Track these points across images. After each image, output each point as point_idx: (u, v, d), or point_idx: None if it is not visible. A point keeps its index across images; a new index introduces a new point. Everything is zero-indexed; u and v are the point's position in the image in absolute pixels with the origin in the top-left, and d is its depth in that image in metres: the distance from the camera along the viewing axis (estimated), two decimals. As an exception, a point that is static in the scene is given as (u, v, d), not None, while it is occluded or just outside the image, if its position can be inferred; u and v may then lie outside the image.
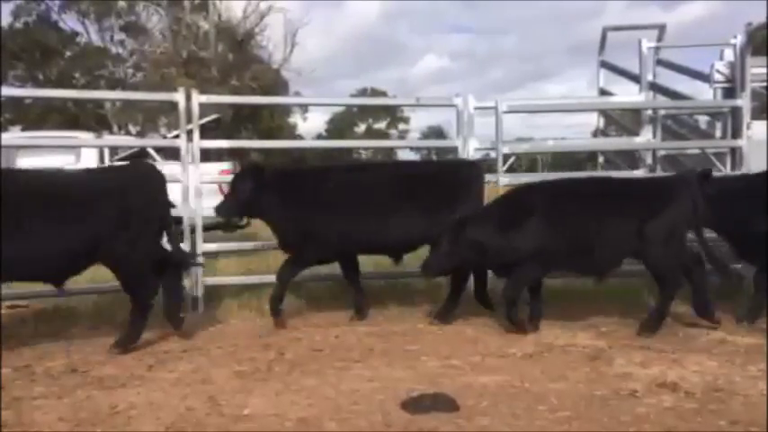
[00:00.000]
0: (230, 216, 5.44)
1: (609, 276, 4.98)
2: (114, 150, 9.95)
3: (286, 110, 35.17)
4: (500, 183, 6.07)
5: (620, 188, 4.99)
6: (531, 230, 4.67)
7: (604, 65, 8.56)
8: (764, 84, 7.01)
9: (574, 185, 5.14)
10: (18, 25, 29.80)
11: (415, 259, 6.00)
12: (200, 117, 5.90)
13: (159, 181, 4.76)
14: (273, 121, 32.95)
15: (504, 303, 4.81)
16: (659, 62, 7.59)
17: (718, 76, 6.81)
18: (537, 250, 4.65)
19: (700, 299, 4.85)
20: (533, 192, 4.99)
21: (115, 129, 26.61)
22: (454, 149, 6.25)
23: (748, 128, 6.11)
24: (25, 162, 8.61)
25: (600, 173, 7.31)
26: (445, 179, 5.35)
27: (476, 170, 5.53)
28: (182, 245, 5.31)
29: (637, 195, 4.84)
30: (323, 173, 5.49)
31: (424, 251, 5.32)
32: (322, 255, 5.33)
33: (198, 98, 5.72)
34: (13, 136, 12.93)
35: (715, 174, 5.34)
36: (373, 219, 5.17)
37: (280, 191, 5.20)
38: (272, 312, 5.11)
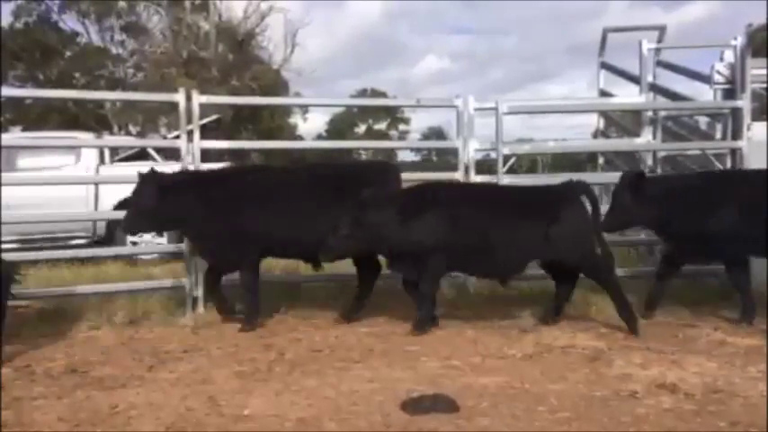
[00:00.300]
0: (138, 232, 5.10)
1: (512, 280, 5.11)
2: (114, 150, 9.95)
3: (286, 110, 35.16)
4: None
5: (521, 195, 5.11)
6: (429, 225, 4.74)
7: (605, 66, 8.56)
8: (764, 85, 7.01)
9: (477, 189, 5.28)
10: (18, 25, 29.80)
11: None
12: (201, 117, 5.89)
13: None
14: (274, 122, 32.96)
15: (420, 299, 4.89)
16: (659, 63, 7.59)
17: (718, 78, 6.79)
18: (434, 245, 4.72)
19: (560, 302, 5.08)
20: (437, 189, 5.14)
21: (115, 129, 26.61)
22: (454, 150, 6.25)
23: (748, 129, 6.11)
24: (25, 162, 8.63)
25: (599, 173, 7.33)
26: (362, 181, 5.16)
27: (393, 171, 5.48)
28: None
29: (537, 202, 4.94)
30: (236, 174, 5.37)
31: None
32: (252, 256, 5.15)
33: (198, 98, 5.71)
34: (14, 136, 12.93)
35: (652, 174, 5.43)
36: (288, 221, 5.03)
37: (190, 195, 5.01)
38: (250, 321, 5.04)
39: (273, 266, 5.89)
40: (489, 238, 4.78)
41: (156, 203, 4.93)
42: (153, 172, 5.09)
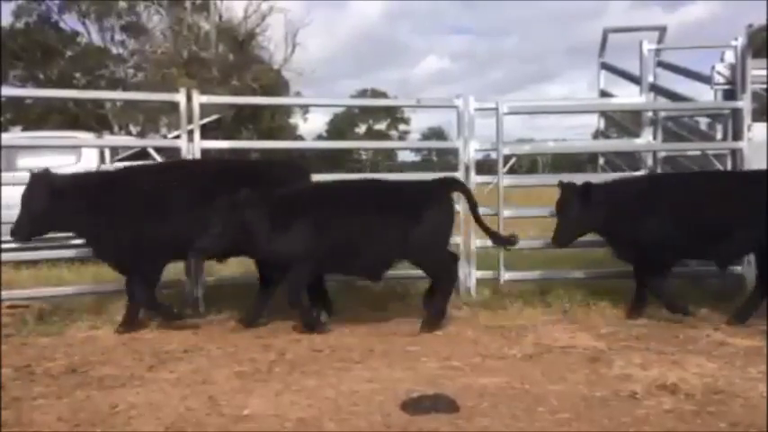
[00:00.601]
0: (26, 238, 4.78)
1: (380, 278, 5.09)
2: (115, 150, 9.95)
3: (287, 110, 35.25)
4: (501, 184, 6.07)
5: (386, 192, 5.02)
6: (300, 229, 4.67)
7: (605, 66, 8.54)
8: (765, 86, 7.00)
9: (344, 187, 5.17)
10: (19, 25, 29.87)
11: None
12: (201, 117, 5.89)
13: None
14: (274, 122, 33.03)
15: (297, 310, 4.85)
16: (660, 64, 7.57)
17: (718, 78, 6.78)
18: (304, 250, 4.67)
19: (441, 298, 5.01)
20: (306, 192, 5.04)
21: (116, 129, 26.66)
22: (455, 151, 6.25)
23: (749, 130, 6.12)
24: (25, 162, 8.62)
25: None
26: (270, 181, 5.06)
27: (303, 172, 5.43)
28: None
29: (402, 199, 4.91)
30: (135, 175, 5.18)
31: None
32: (158, 264, 5.00)
33: (199, 98, 5.72)
34: (14, 136, 12.94)
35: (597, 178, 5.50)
36: (192, 222, 4.78)
37: (85, 199, 4.78)
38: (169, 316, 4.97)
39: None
40: (357, 239, 4.75)
41: (46, 207, 4.67)
42: (44, 173, 4.83)
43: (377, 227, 4.78)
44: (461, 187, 5.10)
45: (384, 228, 4.79)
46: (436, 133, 53.29)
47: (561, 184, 5.34)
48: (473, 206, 5.06)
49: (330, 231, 4.71)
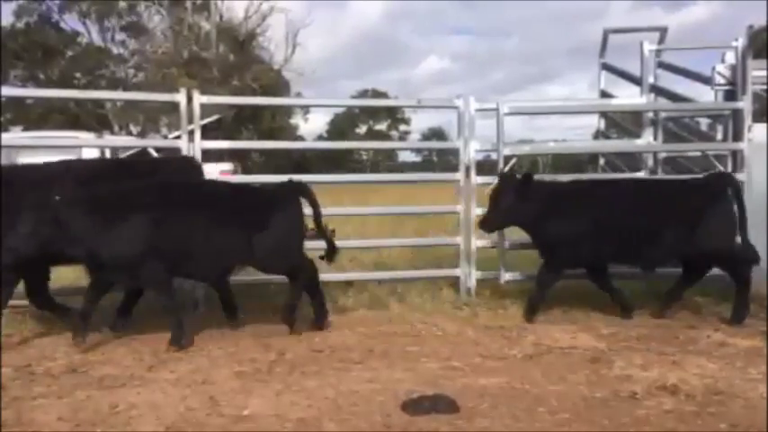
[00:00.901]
0: None
1: (220, 284, 4.98)
2: (115, 150, 9.95)
3: (287, 111, 35.33)
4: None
5: (230, 195, 4.89)
6: (129, 233, 4.36)
7: (605, 67, 8.53)
8: (765, 86, 6.99)
9: (186, 188, 4.91)
10: (19, 25, 29.96)
11: (414, 261, 6.02)
12: (202, 117, 5.89)
13: None
14: (275, 122, 33.12)
15: (168, 316, 4.59)
16: (660, 64, 7.57)
17: (719, 79, 6.78)
18: (138, 255, 4.37)
19: (317, 303, 5.00)
20: (142, 190, 4.64)
21: (116, 129, 26.70)
22: (455, 151, 6.25)
23: (749, 130, 6.11)
24: (26, 162, 8.63)
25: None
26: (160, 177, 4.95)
27: (196, 168, 5.34)
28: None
29: (243, 204, 4.79)
30: (18, 171, 4.94)
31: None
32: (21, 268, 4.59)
33: (199, 98, 5.71)
34: (14, 136, 12.92)
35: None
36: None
37: None
38: None
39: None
40: (192, 242, 4.53)
41: None
42: None
43: (211, 231, 4.58)
44: (306, 192, 4.96)
45: (220, 232, 4.59)
46: (437, 134, 53.35)
47: (501, 175, 5.47)
48: (316, 212, 4.95)
49: (163, 233, 4.44)
